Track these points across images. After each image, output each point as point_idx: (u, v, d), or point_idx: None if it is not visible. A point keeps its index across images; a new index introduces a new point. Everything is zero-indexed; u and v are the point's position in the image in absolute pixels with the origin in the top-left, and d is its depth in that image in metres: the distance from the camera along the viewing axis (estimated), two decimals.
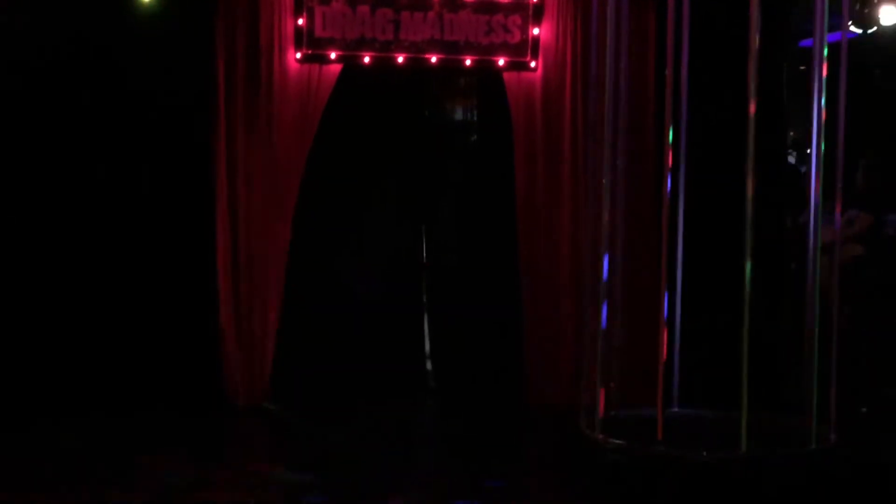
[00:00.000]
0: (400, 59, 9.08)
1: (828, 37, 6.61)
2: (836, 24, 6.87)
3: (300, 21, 8.93)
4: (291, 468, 7.47)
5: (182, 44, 8.89)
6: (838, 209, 6.83)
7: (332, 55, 9.02)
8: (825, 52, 6.55)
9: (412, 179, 9.52)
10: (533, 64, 9.15)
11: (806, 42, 8.74)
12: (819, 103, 6.59)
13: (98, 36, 8.79)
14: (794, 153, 11.16)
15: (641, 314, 8.55)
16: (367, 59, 9.05)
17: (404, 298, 9.54)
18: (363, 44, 9.02)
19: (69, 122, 8.81)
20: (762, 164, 6.54)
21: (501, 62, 9.15)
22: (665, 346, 6.66)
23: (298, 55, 8.98)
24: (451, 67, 9.26)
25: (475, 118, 9.87)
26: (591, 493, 6.65)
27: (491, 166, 9.51)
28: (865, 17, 9.25)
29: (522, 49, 9.13)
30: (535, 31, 9.11)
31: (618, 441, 6.64)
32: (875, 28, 9.31)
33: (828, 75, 6.60)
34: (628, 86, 7.15)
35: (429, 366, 9.64)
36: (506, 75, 9.21)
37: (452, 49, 9.09)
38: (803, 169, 9.65)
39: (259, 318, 9.05)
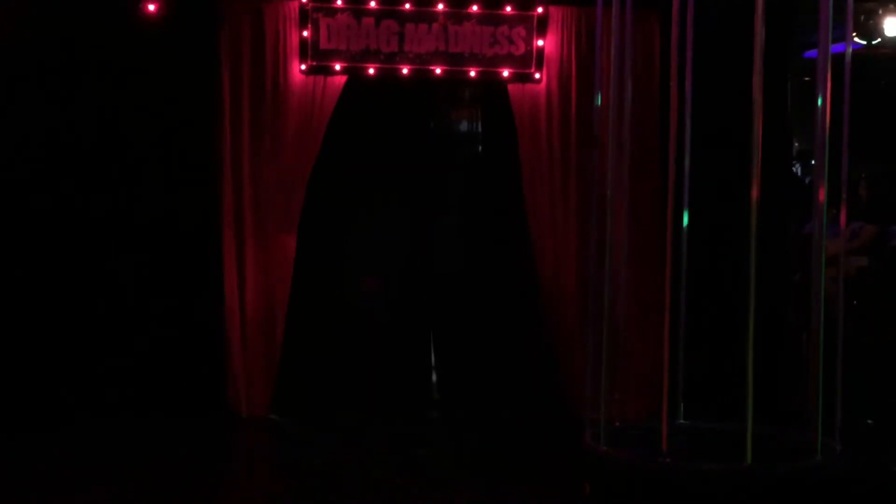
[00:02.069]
0: (404, 71, 9.09)
1: (832, 48, 6.61)
2: (841, 35, 6.87)
3: (305, 33, 8.95)
4: (295, 479, 7.47)
5: (187, 56, 8.91)
6: (843, 220, 6.82)
7: (337, 67, 9.03)
8: (829, 63, 6.55)
9: (417, 191, 9.52)
10: (537, 75, 9.16)
11: (810, 53, 8.75)
12: (824, 115, 6.58)
13: (103, 48, 8.80)
14: (799, 164, 11.16)
15: (647, 326, 8.57)
16: (371, 71, 9.07)
17: (410, 310, 9.54)
18: (368, 55, 9.04)
19: (74, 132, 8.83)
20: (767, 174, 6.54)
21: (506, 74, 9.16)
22: (670, 358, 6.64)
23: (303, 67, 9.00)
24: (455, 79, 9.27)
25: (480, 129, 9.88)
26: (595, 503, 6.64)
27: (496, 178, 9.52)
28: (869, 28, 9.26)
29: (527, 60, 9.14)
30: (540, 42, 9.13)
31: (622, 453, 6.63)
32: (879, 39, 9.32)
33: (832, 86, 6.59)
34: (633, 97, 7.15)
35: (434, 377, 9.64)
36: (510, 87, 9.22)
37: (457, 61, 9.10)
38: (807, 180, 9.66)
39: (264, 329, 9.05)
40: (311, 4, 8.92)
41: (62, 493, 6.84)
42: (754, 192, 6.27)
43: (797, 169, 11.27)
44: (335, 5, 8.96)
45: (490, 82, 9.28)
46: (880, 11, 9.40)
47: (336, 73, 9.05)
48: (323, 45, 8.99)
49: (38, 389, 8.72)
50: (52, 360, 8.80)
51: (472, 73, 9.15)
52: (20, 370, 8.73)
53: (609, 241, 6.86)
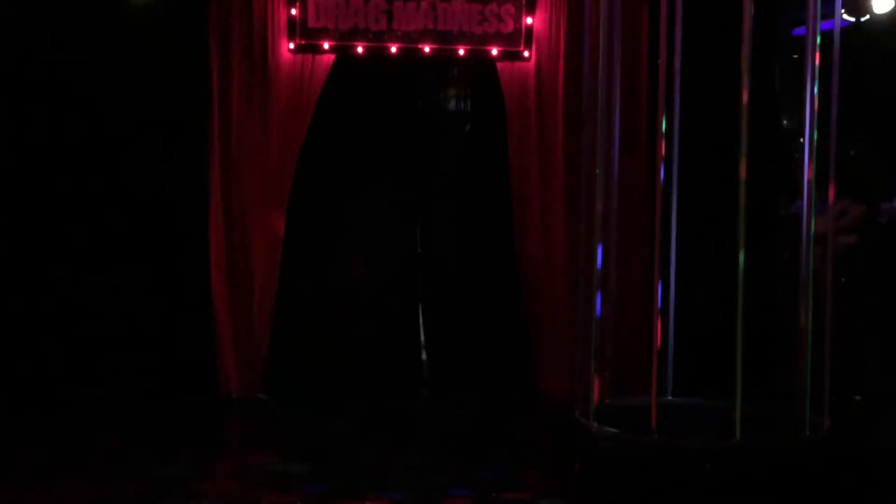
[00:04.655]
0: (393, 49, 9.07)
1: (820, 25, 6.61)
2: (829, 12, 6.86)
3: (293, 11, 8.92)
4: (286, 459, 7.48)
5: (175, 34, 8.89)
6: (831, 198, 6.83)
7: (326, 45, 9.01)
8: (818, 40, 6.55)
9: (406, 170, 9.52)
10: (526, 53, 9.15)
11: (799, 30, 8.74)
12: (812, 92, 6.58)
13: (90, 27, 8.77)
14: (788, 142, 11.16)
15: (636, 303, 8.58)
16: (360, 50, 9.05)
17: (399, 289, 9.54)
18: (356, 34, 9.02)
19: (61, 112, 8.81)
20: (755, 152, 6.54)
21: (495, 52, 9.15)
22: (659, 335, 6.66)
23: (291, 45, 8.97)
24: (444, 57, 9.26)
25: (469, 108, 9.86)
26: (585, 482, 6.66)
27: (485, 156, 9.52)
28: (858, 5, 9.24)
29: (516, 38, 9.13)
30: (529, 20, 9.11)
31: (612, 430, 6.65)
32: (868, 16, 9.30)
33: (820, 64, 6.59)
34: (621, 75, 7.15)
35: (423, 356, 9.64)
36: (499, 65, 9.21)
37: (446, 39, 9.08)
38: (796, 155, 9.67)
39: (254, 310, 9.05)
40: None
41: (58, 475, 6.86)
42: (742, 171, 6.28)
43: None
44: None
45: (479, 60, 9.27)
46: None
47: (324, 51, 9.03)
48: (311, 23, 8.97)
49: (31, 376, 8.72)
50: (43, 345, 8.80)
51: (461, 52, 9.14)
52: (13, 357, 8.73)
53: (598, 217, 6.86)
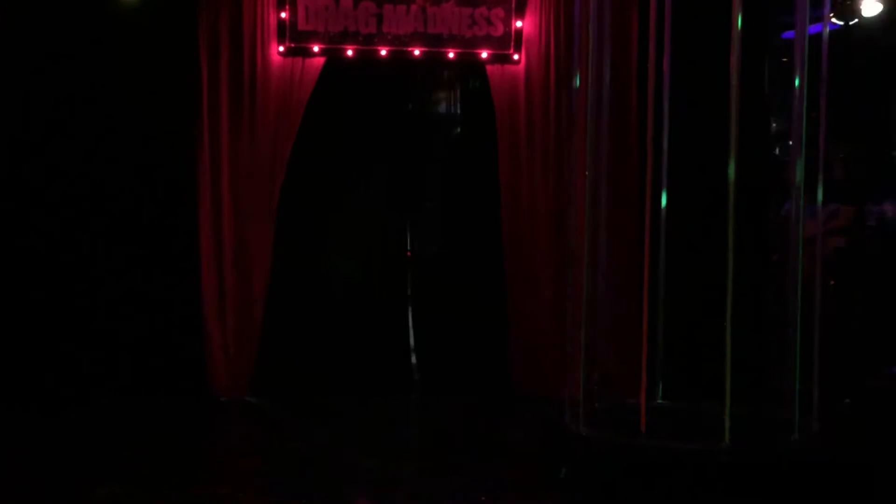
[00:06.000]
0: (383, 53, 9.07)
1: (809, 29, 6.63)
2: (818, 15, 6.88)
3: (283, 14, 8.92)
4: (274, 462, 7.47)
5: (164, 37, 8.88)
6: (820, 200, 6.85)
7: (315, 48, 9.01)
8: (806, 43, 6.57)
9: (396, 172, 9.52)
10: (516, 56, 9.16)
11: (788, 34, 8.76)
12: (801, 95, 6.60)
13: (79, 29, 8.76)
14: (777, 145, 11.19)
15: (625, 306, 8.59)
16: (350, 53, 9.05)
17: (389, 291, 9.54)
18: (346, 37, 9.02)
19: (49, 117, 8.80)
20: (745, 155, 6.55)
21: (485, 55, 9.16)
22: (648, 339, 6.66)
23: (281, 48, 8.97)
24: (434, 60, 9.26)
25: (459, 111, 9.87)
26: (574, 485, 6.66)
27: (474, 158, 9.53)
28: (847, 8, 9.27)
29: (506, 42, 9.14)
30: (519, 23, 9.12)
31: (601, 433, 6.65)
32: (856, 20, 9.33)
33: (809, 67, 6.61)
34: (611, 78, 7.15)
35: (413, 359, 9.64)
36: (489, 68, 9.22)
37: (436, 42, 9.09)
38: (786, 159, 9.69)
39: (243, 312, 9.04)
40: None
41: (44, 475, 6.84)
42: (732, 173, 6.29)
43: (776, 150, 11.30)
44: None
45: (469, 63, 9.28)
46: None
47: (314, 54, 9.02)
48: (301, 26, 8.97)
49: (21, 375, 8.72)
50: (33, 345, 8.79)
51: (451, 55, 9.15)
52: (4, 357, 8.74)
53: (588, 220, 6.86)
